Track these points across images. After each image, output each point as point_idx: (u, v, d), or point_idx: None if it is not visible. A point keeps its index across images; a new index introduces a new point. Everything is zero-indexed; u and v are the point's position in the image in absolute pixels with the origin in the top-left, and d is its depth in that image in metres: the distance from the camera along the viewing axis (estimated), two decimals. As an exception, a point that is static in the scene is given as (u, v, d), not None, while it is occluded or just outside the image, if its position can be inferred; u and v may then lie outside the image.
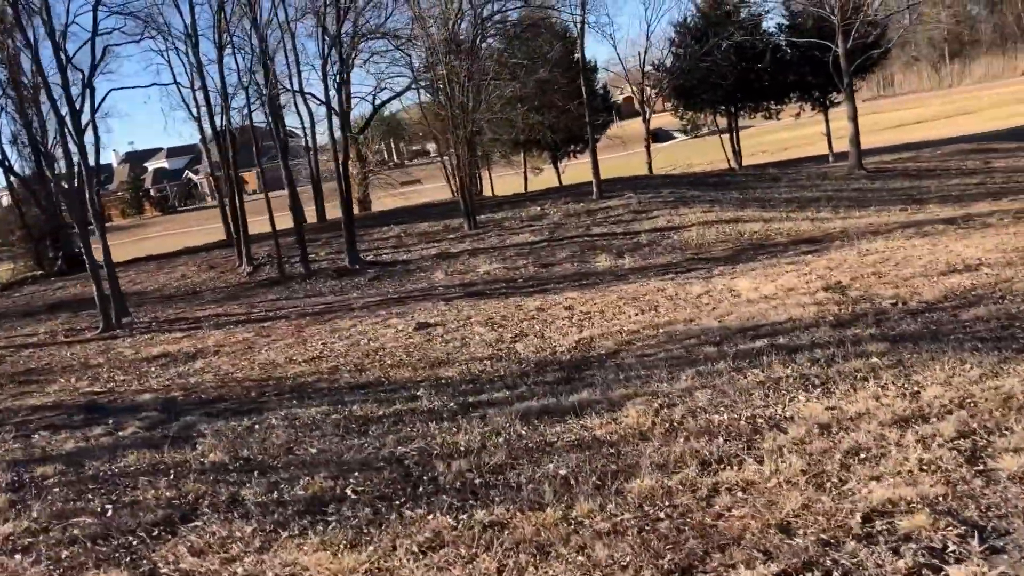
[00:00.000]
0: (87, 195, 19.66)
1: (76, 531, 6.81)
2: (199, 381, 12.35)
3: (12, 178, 31.53)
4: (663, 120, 60.98)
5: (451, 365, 11.66)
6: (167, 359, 14.62)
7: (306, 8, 26.84)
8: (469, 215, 27.25)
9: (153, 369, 13.93)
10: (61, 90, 19.73)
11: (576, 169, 42.05)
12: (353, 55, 27.74)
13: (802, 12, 36.80)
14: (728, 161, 41.57)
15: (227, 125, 24.26)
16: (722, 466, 6.49)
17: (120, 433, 9.53)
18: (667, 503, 5.97)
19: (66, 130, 18.43)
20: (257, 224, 27.83)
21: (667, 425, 7.61)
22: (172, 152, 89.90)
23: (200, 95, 26.54)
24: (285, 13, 25.77)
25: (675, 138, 69.58)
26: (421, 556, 5.68)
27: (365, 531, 6.22)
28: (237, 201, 24.65)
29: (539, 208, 28.75)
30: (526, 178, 44.40)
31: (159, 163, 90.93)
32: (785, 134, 55.04)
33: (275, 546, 6.16)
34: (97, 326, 18.87)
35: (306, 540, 6.16)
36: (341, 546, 5.97)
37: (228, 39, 23.83)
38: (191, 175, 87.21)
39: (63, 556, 6.39)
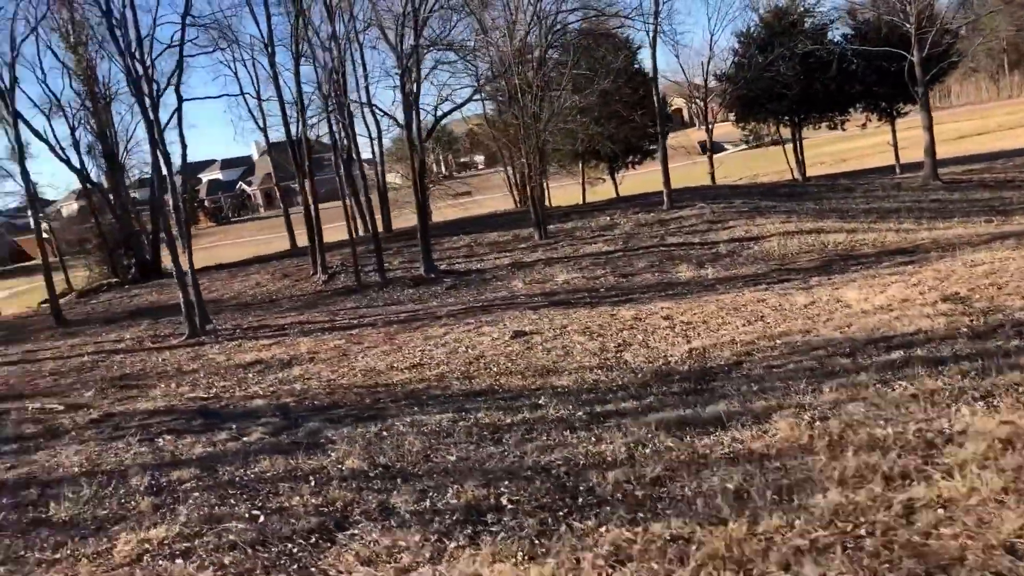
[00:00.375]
0: (172, 203, 19.89)
1: (232, 536, 6.70)
2: (305, 388, 12.27)
3: (89, 187, 32.07)
4: (717, 131, 60.47)
5: (560, 374, 11.47)
6: (262, 366, 14.61)
7: (372, 20, 27.16)
8: (540, 225, 27.12)
9: (251, 376, 13.91)
10: (142, 99, 20.10)
11: (633, 180, 41.82)
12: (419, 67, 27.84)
13: (869, 22, 36.26)
14: (792, 172, 41.00)
15: (304, 132, 24.39)
16: (908, 482, 6.19)
17: (246, 439, 9.45)
18: (862, 520, 5.69)
19: (155, 138, 18.60)
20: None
21: (827, 439, 7.31)
22: (226, 164, 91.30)
23: (267, 105, 26.85)
24: (354, 26, 26.02)
25: (726, 149, 68.96)
26: (611, 570, 5.47)
27: (538, 543, 6.02)
28: (312, 211, 24.73)
29: (608, 218, 28.51)
30: (584, 189, 44.26)
31: (213, 174, 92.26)
32: (844, 145, 54.21)
33: (446, 556, 5.99)
34: (182, 333, 19.00)
35: (478, 551, 5.98)
36: (519, 558, 5.78)
37: (306, 48, 24.00)
38: (244, 186, 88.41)
39: (226, 562, 6.28)
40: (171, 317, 22.42)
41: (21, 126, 23.88)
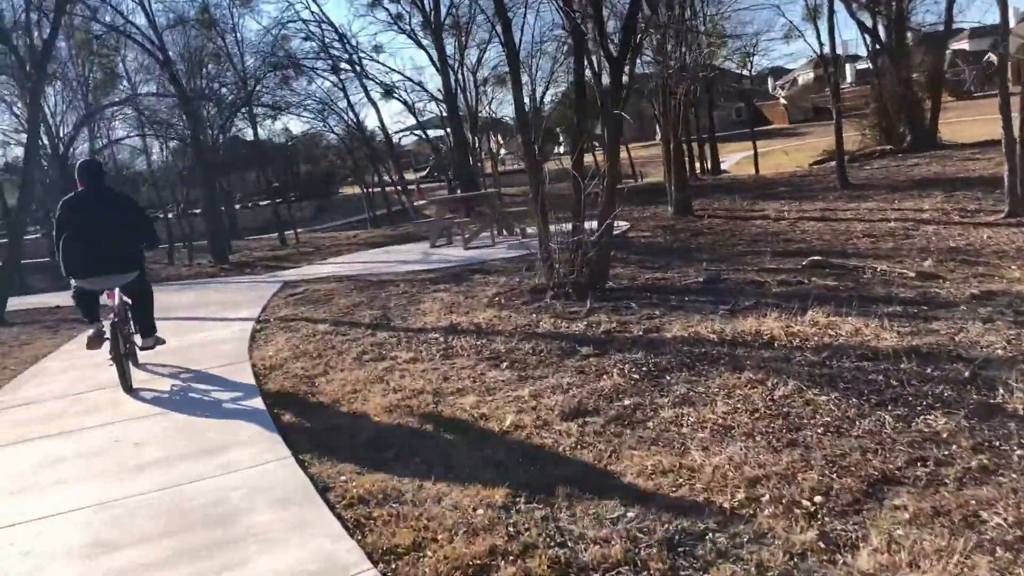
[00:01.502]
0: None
1: None
2: None
3: (877, 48, 30.87)
4: None
5: None
6: None
7: None
8: None
9: None
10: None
11: None
12: None
13: None
14: None
15: None
16: None
17: None
18: None
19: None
20: None
21: None
22: (975, 33, 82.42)
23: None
24: None
25: None
26: None
27: None
28: None
29: None
30: None
31: (959, 44, 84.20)
32: None
33: None
34: (996, 209, 16.78)
35: None
36: None
37: None
38: (994, 57, 79.05)
39: None
40: (963, 191, 20.38)
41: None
